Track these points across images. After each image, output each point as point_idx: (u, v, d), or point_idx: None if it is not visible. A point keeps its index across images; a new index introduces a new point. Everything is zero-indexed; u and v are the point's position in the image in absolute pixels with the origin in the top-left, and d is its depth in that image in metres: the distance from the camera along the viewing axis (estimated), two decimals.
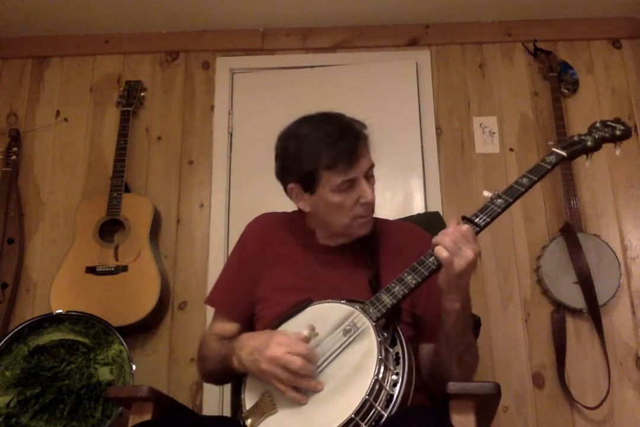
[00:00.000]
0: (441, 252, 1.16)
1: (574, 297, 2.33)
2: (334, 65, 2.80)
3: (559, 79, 2.67)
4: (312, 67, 2.81)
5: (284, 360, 1.13)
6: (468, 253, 1.16)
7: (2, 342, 2.11)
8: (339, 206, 1.35)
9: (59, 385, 2.08)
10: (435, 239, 1.19)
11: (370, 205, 1.37)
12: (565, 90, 2.68)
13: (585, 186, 2.57)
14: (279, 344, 1.16)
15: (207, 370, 1.41)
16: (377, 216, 1.49)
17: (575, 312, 2.37)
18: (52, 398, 2.06)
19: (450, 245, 1.16)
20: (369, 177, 1.38)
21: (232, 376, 1.33)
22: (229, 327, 1.45)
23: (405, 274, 1.21)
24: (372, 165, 1.38)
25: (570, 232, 2.38)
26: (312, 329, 1.18)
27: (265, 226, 1.53)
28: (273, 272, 1.45)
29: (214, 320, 1.50)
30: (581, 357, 2.36)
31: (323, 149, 1.32)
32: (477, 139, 2.68)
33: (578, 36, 2.80)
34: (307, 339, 1.17)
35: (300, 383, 1.14)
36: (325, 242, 1.46)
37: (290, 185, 1.40)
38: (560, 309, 2.38)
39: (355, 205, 1.35)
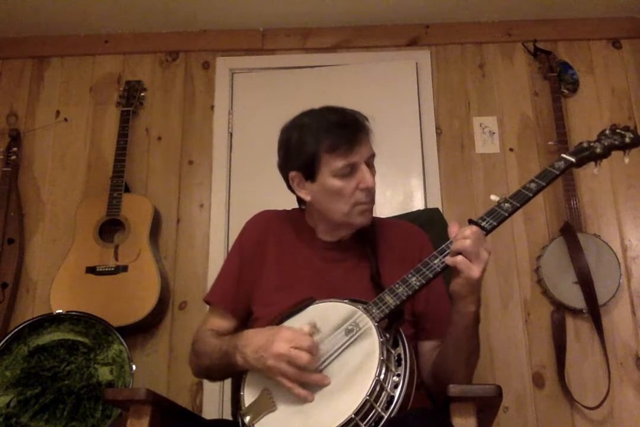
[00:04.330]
0: (460, 259, 1.15)
1: (574, 297, 2.33)
2: (334, 65, 2.80)
3: (559, 79, 2.67)
4: (312, 67, 2.81)
5: (290, 356, 1.13)
6: (484, 255, 1.17)
7: (2, 342, 2.11)
8: (339, 192, 1.35)
9: (59, 385, 2.08)
10: (457, 246, 1.17)
11: (371, 192, 1.37)
12: (565, 90, 2.68)
13: (585, 186, 2.58)
14: (284, 340, 1.15)
15: (204, 366, 1.39)
16: (376, 215, 1.50)
17: (575, 312, 2.37)
18: (52, 398, 2.06)
19: (472, 250, 1.15)
20: (370, 166, 1.38)
21: (231, 372, 1.33)
22: (225, 324, 1.44)
23: (410, 276, 1.21)
24: (373, 155, 1.38)
25: (570, 232, 2.38)
26: (314, 325, 1.18)
27: (265, 223, 1.53)
28: (273, 270, 1.44)
29: (209, 316, 1.48)
30: (581, 357, 2.36)
31: (324, 133, 1.34)
32: (477, 139, 2.68)
33: (578, 36, 2.80)
34: (313, 342, 1.16)
35: (307, 378, 1.14)
36: (326, 237, 1.46)
37: (292, 174, 1.40)
38: (560, 309, 2.38)
39: (355, 191, 1.35)
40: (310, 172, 1.37)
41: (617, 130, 1.36)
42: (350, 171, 1.34)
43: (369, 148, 1.38)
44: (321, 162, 1.34)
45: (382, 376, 1.09)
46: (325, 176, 1.35)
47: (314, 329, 1.17)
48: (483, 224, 1.21)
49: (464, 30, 2.83)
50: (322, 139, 1.33)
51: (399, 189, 2.60)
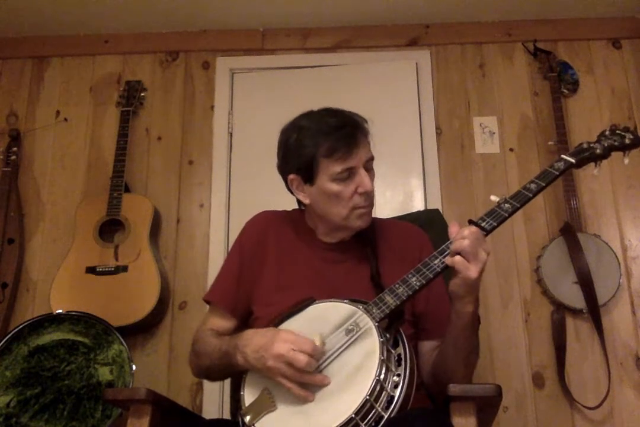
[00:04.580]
0: (458, 259, 1.16)
1: (574, 297, 2.33)
2: (334, 65, 2.80)
3: (559, 79, 2.67)
4: (312, 67, 2.82)
5: (289, 357, 1.13)
6: (483, 255, 1.17)
7: (2, 342, 2.10)
8: (337, 196, 1.35)
9: (59, 385, 2.08)
10: (455, 246, 1.17)
11: (369, 196, 1.37)
12: (565, 90, 2.68)
13: (585, 186, 2.58)
14: (284, 341, 1.15)
15: (204, 366, 1.39)
16: (376, 216, 1.50)
17: (575, 312, 2.37)
18: (52, 398, 2.06)
19: (470, 250, 1.16)
20: (369, 169, 1.38)
21: (230, 372, 1.32)
22: (225, 323, 1.44)
23: (410, 276, 1.21)
24: (372, 158, 1.38)
25: (570, 232, 2.38)
26: (322, 340, 1.17)
27: (264, 223, 1.53)
28: (273, 270, 1.44)
29: (209, 315, 1.48)
30: (581, 357, 2.36)
31: (322, 137, 1.34)
32: (477, 139, 2.68)
33: (578, 36, 2.80)
34: (314, 346, 1.15)
35: (307, 379, 1.14)
36: (325, 238, 1.46)
37: (291, 177, 1.41)
38: (560, 309, 2.38)
39: (354, 195, 1.35)
40: (308, 176, 1.37)
41: (617, 131, 1.36)
42: (348, 175, 1.34)
43: (368, 151, 1.38)
44: (319, 167, 1.34)
45: (382, 376, 1.09)
46: (323, 180, 1.35)
47: (321, 343, 1.16)
48: (483, 224, 1.21)
49: (464, 30, 2.83)
50: (320, 143, 1.33)
51: (399, 189, 2.60)
